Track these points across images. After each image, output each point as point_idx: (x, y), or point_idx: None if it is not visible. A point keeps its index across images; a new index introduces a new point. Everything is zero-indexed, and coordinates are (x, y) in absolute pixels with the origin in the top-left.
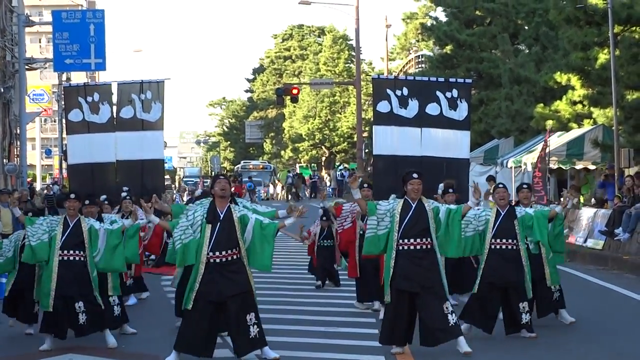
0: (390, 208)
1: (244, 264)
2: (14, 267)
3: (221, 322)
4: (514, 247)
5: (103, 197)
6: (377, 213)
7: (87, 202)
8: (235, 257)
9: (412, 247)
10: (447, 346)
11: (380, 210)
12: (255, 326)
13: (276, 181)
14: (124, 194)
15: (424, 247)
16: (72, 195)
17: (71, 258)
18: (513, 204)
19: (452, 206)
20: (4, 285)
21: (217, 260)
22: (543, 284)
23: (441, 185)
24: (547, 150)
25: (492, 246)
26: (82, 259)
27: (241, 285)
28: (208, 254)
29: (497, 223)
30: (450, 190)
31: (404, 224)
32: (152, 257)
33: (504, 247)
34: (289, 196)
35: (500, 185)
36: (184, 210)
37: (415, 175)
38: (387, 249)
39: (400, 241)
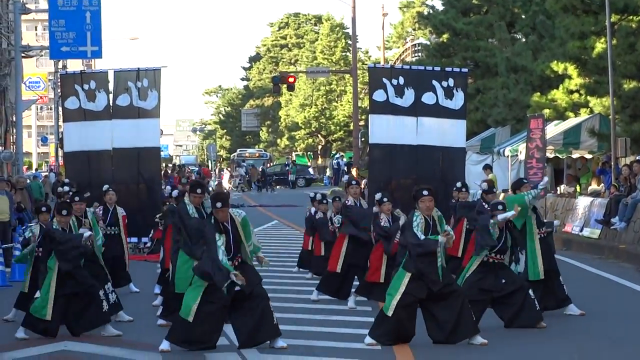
0: (416, 225)
1: (246, 263)
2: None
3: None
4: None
5: (106, 186)
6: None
7: (76, 198)
8: (238, 261)
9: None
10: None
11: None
12: (274, 313)
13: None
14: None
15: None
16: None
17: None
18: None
19: None
20: (4, 273)
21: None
22: (556, 275)
23: (484, 185)
24: (547, 138)
25: None
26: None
27: (255, 279)
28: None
29: None
30: (495, 190)
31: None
32: (148, 244)
33: None
34: (243, 187)
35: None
36: None
37: (425, 193)
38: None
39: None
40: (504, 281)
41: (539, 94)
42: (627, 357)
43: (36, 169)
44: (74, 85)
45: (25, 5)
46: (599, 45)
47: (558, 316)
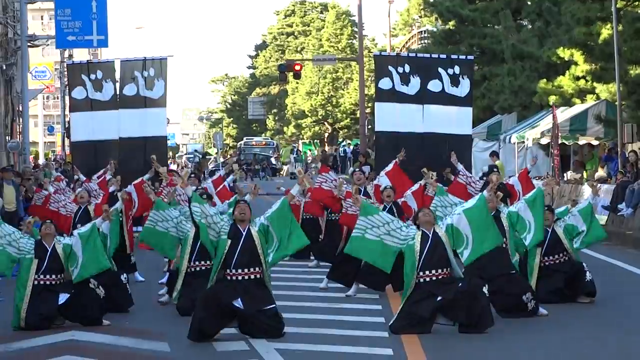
0: (407, 236)
1: (264, 284)
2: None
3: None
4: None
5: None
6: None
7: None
8: (258, 276)
9: (433, 278)
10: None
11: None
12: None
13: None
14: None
15: (445, 277)
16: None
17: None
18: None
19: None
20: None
21: (239, 277)
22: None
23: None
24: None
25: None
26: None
27: (266, 301)
28: (230, 271)
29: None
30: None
31: (424, 255)
32: None
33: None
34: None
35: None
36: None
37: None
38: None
39: (421, 273)
40: None
41: (545, 80)
42: (634, 343)
43: (47, 159)
44: (80, 75)
45: None
46: (605, 32)
47: (565, 303)
